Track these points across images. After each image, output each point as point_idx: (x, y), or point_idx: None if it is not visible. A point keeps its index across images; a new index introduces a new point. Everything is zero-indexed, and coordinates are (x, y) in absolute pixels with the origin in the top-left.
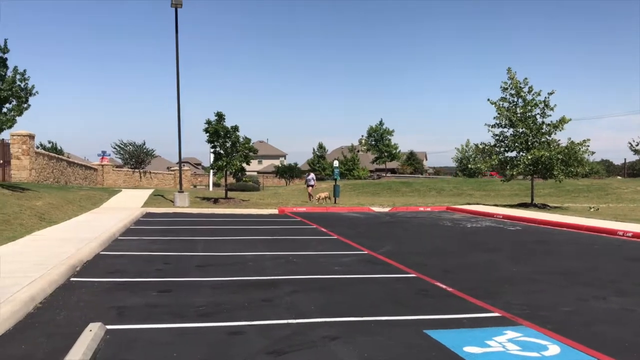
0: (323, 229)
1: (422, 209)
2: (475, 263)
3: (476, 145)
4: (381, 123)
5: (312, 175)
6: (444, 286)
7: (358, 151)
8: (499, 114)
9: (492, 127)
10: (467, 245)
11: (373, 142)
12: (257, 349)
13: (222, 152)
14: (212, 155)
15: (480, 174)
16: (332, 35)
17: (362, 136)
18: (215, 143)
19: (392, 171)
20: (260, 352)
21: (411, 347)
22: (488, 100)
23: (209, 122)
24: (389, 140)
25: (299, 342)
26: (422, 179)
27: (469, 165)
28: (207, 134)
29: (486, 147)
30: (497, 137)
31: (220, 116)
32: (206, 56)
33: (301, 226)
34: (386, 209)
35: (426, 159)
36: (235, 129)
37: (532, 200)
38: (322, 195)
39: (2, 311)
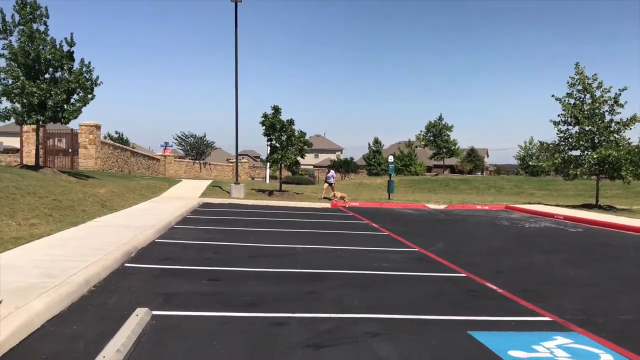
0: (374, 225)
1: (479, 207)
2: (529, 264)
3: (540, 143)
4: (440, 118)
5: (332, 172)
6: (494, 287)
7: (416, 147)
8: (564, 110)
9: (556, 124)
10: (523, 246)
11: (431, 138)
12: (297, 340)
13: (277, 145)
14: (268, 148)
15: (543, 172)
16: (388, 31)
17: (421, 131)
18: (271, 136)
19: (451, 168)
20: (300, 344)
21: (453, 347)
22: (552, 96)
23: (265, 116)
24: (448, 136)
25: (340, 336)
26: (482, 176)
27: (530, 163)
28: (264, 127)
29: (550, 145)
30: (562, 135)
31: (276, 110)
32: (266, 51)
33: (353, 221)
34: (442, 206)
35: (487, 156)
36: (291, 122)
37: (597, 201)
38: (338, 194)
39: (59, 292)
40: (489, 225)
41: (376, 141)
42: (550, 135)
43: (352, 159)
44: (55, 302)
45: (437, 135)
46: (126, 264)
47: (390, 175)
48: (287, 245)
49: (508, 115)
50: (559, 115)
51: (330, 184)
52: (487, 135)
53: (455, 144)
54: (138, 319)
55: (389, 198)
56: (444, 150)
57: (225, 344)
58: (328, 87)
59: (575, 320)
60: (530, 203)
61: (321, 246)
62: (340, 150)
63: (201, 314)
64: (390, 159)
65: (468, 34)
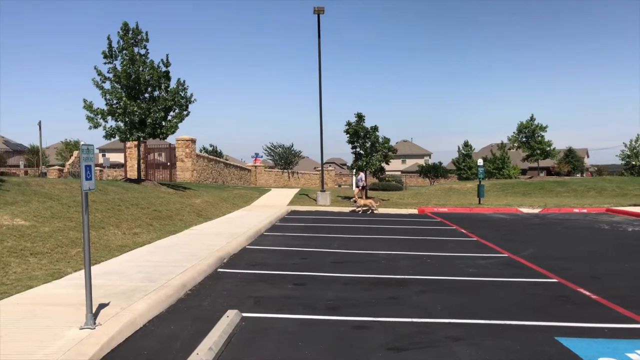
0: (463, 230)
1: (577, 210)
2: (630, 270)
3: None
4: (532, 118)
5: (361, 175)
6: (587, 293)
7: (509, 149)
8: None
9: None
10: (624, 251)
11: (524, 139)
12: (378, 344)
13: (361, 152)
14: (353, 156)
15: None
16: (476, 29)
17: (514, 133)
18: (355, 143)
19: (547, 170)
20: (381, 348)
21: (537, 353)
22: None
23: (349, 124)
24: (542, 136)
25: (421, 340)
26: (580, 178)
27: (632, 162)
28: (348, 135)
29: None
30: None
31: (360, 117)
32: (352, 59)
33: (440, 227)
34: (536, 210)
35: (587, 157)
36: (375, 129)
37: None
38: (361, 201)
39: (159, 295)
40: (586, 229)
41: (466, 144)
42: None
43: (440, 163)
44: (155, 304)
45: (529, 136)
46: (219, 269)
47: (480, 179)
48: (371, 252)
49: (611, 112)
50: None
51: (360, 188)
52: (587, 134)
53: (550, 145)
54: (229, 320)
55: (479, 203)
56: (538, 151)
57: (309, 345)
58: (415, 90)
59: None
60: (636, 205)
61: (405, 252)
62: (429, 155)
63: (287, 317)
64: (480, 162)
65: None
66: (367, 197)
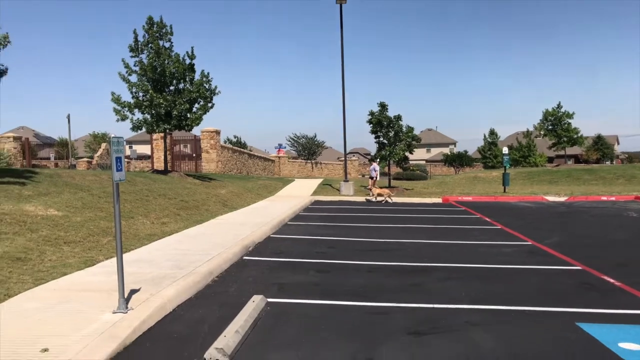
0: (487, 219)
1: (604, 198)
2: None
3: None
4: (559, 106)
5: (374, 165)
6: (611, 280)
7: (536, 137)
8: None
9: None
10: None
11: (550, 127)
12: (398, 328)
13: (385, 141)
14: (376, 145)
15: None
16: (502, 15)
17: (540, 121)
18: (379, 133)
19: (575, 158)
20: (400, 331)
21: (557, 338)
22: None
23: (372, 113)
24: (569, 123)
25: (441, 325)
26: (609, 165)
27: None
28: (371, 125)
29: None
30: None
31: (383, 106)
32: (375, 49)
33: (464, 215)
34: (562, 199)
35: (617, 144)
36: (398, 118)
37: None
38: (376, 191)
39: (187, 281)
40: (614, 217)
41: (492, 132)
42: None
43: (466, 152)
44: (183, 290)
45: (556, 124)
46: (245, 257)
47: (505, 167)
48: (394, 240)
49: None
50: None
51: (372, 178)
52: (618, 121)
53: (577, 132)
54: (254, 304)
55: (504, 191)
56: (565, 139)
57: (331, 329)
58: (439, 78)
59: None
60: None
61: (429, 241)
62: (454, 144)
63: (310, 302)
64: (505, 150)
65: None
66: (381, 187)
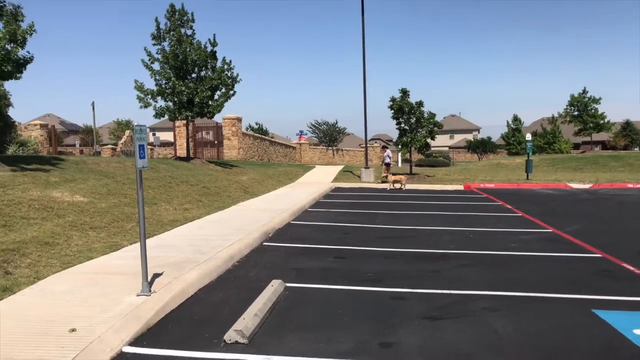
0: (508, 206)
1: (630, 185)
2: None
3: None
4: (585, 91)
5: (388, 151)
6: (631, 268)
7: (562, 123)
8: None
9: None
10: None
11: (575, 113)
12: (414, 313)
13: (406, 128)
14: (397, 132)
15: None
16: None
17: (566, 107)
18: (400, 119)
19: (602, 144)
20: (416, 316)
21: (572, 324)
22: None
23: (393, 100)
24: (595, 109)
25: (457, 310)
26: (638, 152)
27: None
28: (392, 111)
29: None
30: None
31: (404, 92)
32: (399, 34)
33: (485, 202)
34: (586, 186)
35: None
36: (420, 104)
37: None
38: (391, 177)
39: (208, 265)
40: (639, 204)
41: (515, 119)
42: None
43: (489, 138)
44: (205, 274)
45: (582, 110)
46: (264, 243)
47: (527, 154)
48: (413, 227)
49: None
50: None
51: (387, 165)
52: None
53: (604, 118)
54: (273, 289)
55: (527, 178)
56: (591, 125)
57: (348, 313)
58: (463, 63)
59: None
60: None
61: (448, 228)
62: (478, 130)
63: (327, 287)
64: (528, 136)
65: None
66: (394, 174)
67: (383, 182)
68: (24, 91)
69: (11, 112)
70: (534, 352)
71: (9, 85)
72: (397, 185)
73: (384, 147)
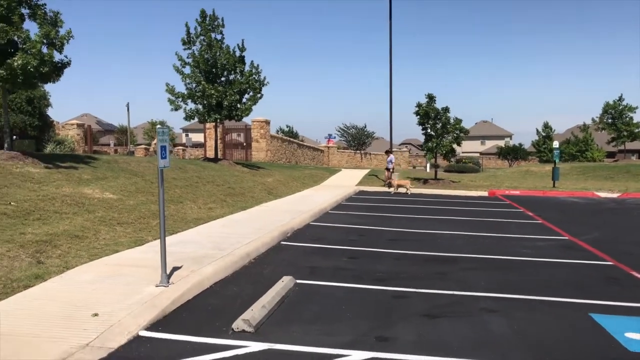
0: (529, 213)
1: None
2: None
3: None
4: (620, 99)
5: (391, 156)
6: (639, 276)
7: (595, 130)
8: None
9: None
10: None
11: (610, 121)
12: (414, 311)
13: (432, 133)
14: (424, 137)
15: None
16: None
17: (600, 114)
18: (426, 125)
19: (639, 153)
20: (416, 314)
21: (567, 326)
22: None
23: (419, 105)
24: (631, 118)
25: (456, 310)
26: None
27: None
28: (418, 117)
29: None
30: None
31: (430, 98)
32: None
33: (506, 209)
34: (614, 195)
35: None
36: (446, 110)
37: None
38: (395, 182)
39: (225, 261)
40: None
41: (546, 126)
42: None
43: (521, 145)
44: (221, 269)
45: (616, 117)
46: (282, 242)
47: (554, 162)
48: (429, 231)
49: None
50: None
51: (388, 170)
52: None
53: (639, 127)
54: (283, 284)
55: (553, 186)
56: (625, 133)
57: (351, 309)
58: (498, 68)
59: None
60: None
61: (464, 232)
62: (510, 136)
63: (336, 284)
64: (555, 144)
65: None
66: (403, 178)
67: (389, 186)
68: (64, 92)
69: (50, 112)
70: (521, 350)
71: (49, 85)
72: (402, 190)
73: (388, 152)
